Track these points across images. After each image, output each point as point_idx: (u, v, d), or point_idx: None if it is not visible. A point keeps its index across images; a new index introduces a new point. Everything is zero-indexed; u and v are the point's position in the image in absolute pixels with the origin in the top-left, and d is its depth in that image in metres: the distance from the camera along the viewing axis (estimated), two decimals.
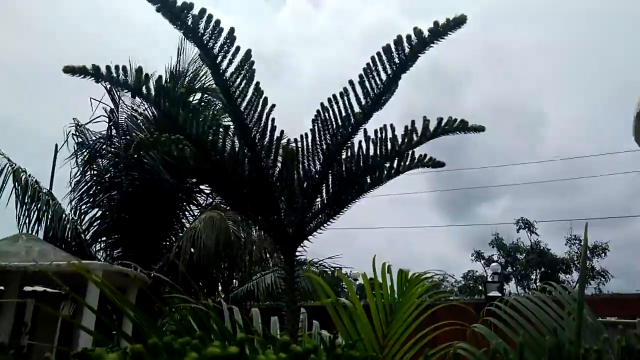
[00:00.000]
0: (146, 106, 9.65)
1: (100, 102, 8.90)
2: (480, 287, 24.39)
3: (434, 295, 1.67)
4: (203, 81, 9.48)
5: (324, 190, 1.11)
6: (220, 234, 7.53)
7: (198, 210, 9.58)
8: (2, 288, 6.34)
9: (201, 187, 10.05)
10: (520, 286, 25.09)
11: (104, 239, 9.08)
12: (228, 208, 8.73)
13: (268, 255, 9.38)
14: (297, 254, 1.16)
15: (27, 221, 7.88)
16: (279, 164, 1.05)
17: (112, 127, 8.71)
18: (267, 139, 1.02)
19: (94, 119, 8.90)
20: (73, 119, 9.06)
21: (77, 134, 8.99)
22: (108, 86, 8.98)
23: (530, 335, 1.86)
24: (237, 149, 1.03)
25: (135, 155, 8.07)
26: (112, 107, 8.87)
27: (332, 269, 10.05)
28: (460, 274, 27.23)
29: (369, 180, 1.17)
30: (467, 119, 1.24)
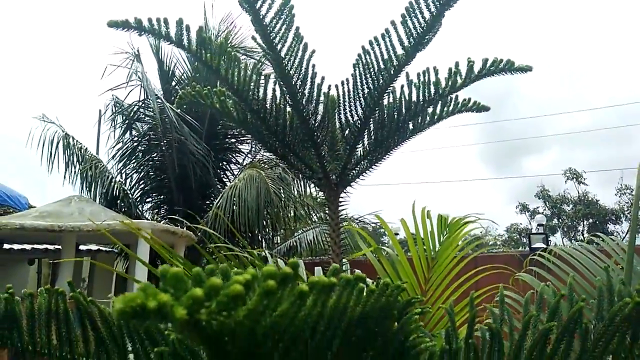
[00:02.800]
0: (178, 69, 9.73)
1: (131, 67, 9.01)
2: (525, 240, 24.02)
3: (475, 241, 1.66)
4: (234, 42, 9.45)
5: (365, 137, 1.10)
6: (260, 192, 7.66)
7: (238, 170, 9.74)
8: (60, 247, 6.70)
9: (240, 147, 10.19)
10: (566, 238, 24.58)
11: (149, 199, 9.40)
12: (267, 167, 8.85)
13: (311, 212, 9.51)
14: (338, 207, 1.17)
15: (77, 184, 8.24)
16: (320, 111, 1.05)
17: (146, 91, 8.85)
18: (307, 86, 1.01)
19: (126, 83, 9.04)
20: (110, 90, 9.26)
21: (114, 98, 9.21)
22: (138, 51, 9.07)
23: (576, 282, 1.83)
24: (278, 97, 1.03)
25: (174, 120, 8.21)
26: (143, 71, 8.97)
27: (374, 224, 10.11)
28: (503, 228, 26.85)
29: (411, 126, 1.15)
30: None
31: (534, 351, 0.81)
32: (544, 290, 1.13)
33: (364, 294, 0.55)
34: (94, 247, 8.74)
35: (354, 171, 1.13)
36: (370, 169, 1.15)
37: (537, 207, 25.50)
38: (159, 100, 8.53)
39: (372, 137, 1.10)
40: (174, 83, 9.84)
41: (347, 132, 1.08)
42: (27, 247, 8.13)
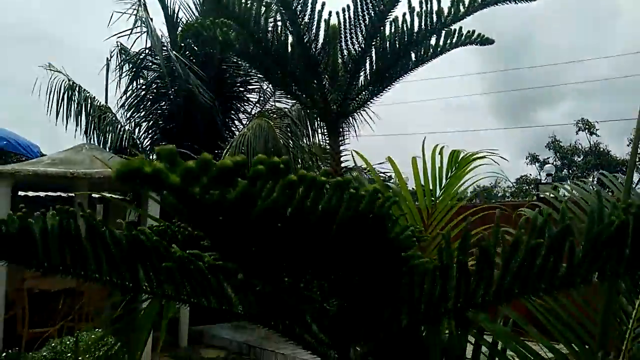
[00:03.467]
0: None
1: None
2: (533, 190, 24.00)
3: (482, 177, 1.68)
4: None
5: (367, 66, 1.11)
6: (268, 141, 7.68)
7: (247, 119, 9.73)
8: (73, 194, 6.84)
9: (249, 96, 10.13)
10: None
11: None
12: (276, 117, 8.81)
13: (319, 163, 9.54)
14: (339, 137, 1.19)
15: (87, 133, 8.30)
16: (321, 39, 1.05)
17: (152, 38, 8.73)
18: (308, 11, 1.01)
19: (130, 30, 8.91)
20: (116, 40, 9.15)
21: (119, 46, 9.13)
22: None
23: (579, 219, 1.86)
24: (279, 25, 1.03)
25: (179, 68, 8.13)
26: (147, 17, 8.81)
27: (382, 175, 10.14)
28: (513, 180, 26.75)
29: (413, 57, 1.15)
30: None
31: (522, 268, 0.84)
32: (536, 217, 1.13)
33: (355, 198, 0.58)
34: (106, 194, 8.89)
35: (354, 102, 1.14)
36: (371, 101, 1.16)
37: (548, 158, 25.34)
38: (164, 48, 8.44)
39: (373, 67, 1.10)
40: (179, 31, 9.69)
41: (347, 60, 1.09)
42: (41, 194, 8.30)
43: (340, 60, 1.09)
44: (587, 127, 24.08)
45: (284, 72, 1.07)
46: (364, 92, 1.15)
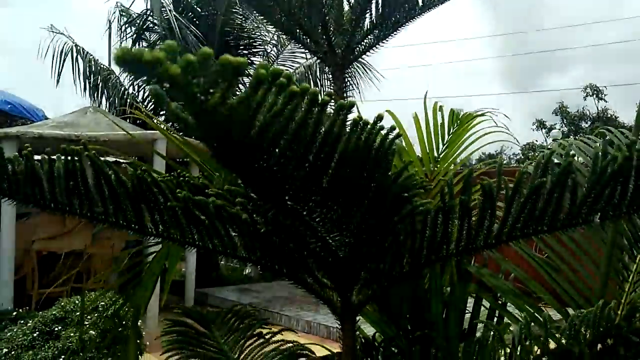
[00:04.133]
0: None
1: None
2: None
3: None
4: None
5: (373, 9, 1.08)
6: None
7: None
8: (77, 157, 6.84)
9: (253, 59, 10.01)
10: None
11: (163, 112, 9.43)
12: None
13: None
14: (344, 83, 1.18)
15: (92, 96, 8.26)
16: None
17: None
18: None
19: None
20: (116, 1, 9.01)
21: (119, 6, 9.00)
22: None
23: (583, 175, 1.86)
24: None
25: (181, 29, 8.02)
26: None
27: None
28: (519, 147, 26.56)
29: (420, 1, 1.13)
30: None
31: (526, 207, 0.84)
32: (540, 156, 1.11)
33: (358, 127, 0.58)
34: (111, 158, 8.91)
35: (359, 46, 1.13)
36: (377, 46, 1.15)
37: (555, 124, 25.11)
38: (163, 9, 8.30)
39: (379, 10, 1.08)
40: None
41: (353, 3, 1.07)
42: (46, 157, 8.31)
43: (345, 2, 1.07)
44: (595, 92, 23.74)
45: (288, 14, 1.06)
46: (369, 37, 1.13)
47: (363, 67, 9.27)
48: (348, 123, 0.56)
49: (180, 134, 1.90)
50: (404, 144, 1.64)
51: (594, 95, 23.75)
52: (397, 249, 0.94)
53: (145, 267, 2.03)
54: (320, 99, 0.46)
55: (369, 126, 0.57)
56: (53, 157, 0.92)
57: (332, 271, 0.96)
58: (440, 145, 1.59)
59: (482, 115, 1.61)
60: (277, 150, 0.46)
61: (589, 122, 24.07)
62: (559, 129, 23.53)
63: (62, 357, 4.46)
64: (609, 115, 23.37)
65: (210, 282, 9.19)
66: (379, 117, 0.58)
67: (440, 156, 1.57)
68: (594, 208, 0.84)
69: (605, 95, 23.58)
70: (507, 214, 0.86)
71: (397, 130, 0.64)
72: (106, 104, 8.34)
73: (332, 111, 0.53)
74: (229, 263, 11.64)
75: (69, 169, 0.87)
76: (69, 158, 0.88)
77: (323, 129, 0.50)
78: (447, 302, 1.55)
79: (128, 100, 8.22)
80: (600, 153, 0.81)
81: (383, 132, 0.61)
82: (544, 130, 25.29)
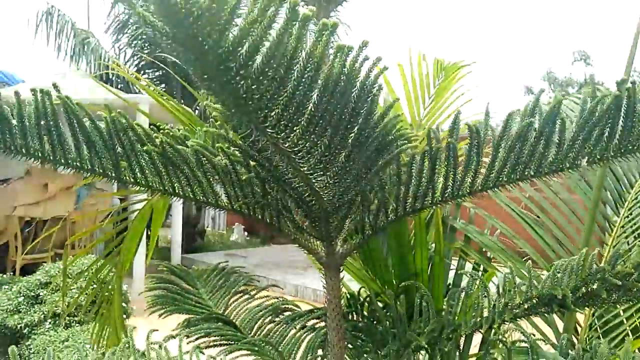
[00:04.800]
0: None
1: None
2: None
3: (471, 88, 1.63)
4: None
5: None
6: None
7: None
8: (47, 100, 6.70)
9: None
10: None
11: (144, 76, 9.21)
12: None
13: None
14: None
15: (72, 59, 8.04)
16: None
17: None
18: None
19: None
20: None
21: None
22: None
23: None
24: None
25: None
26: None
27: None
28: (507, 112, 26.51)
29: None
30: None
31: (514, 150, 0.83)
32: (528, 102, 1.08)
33: (342, 53, 0.55)
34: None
35: None
36: None
37: (543, 90, 25.08)
38: None
39: None
40: None
41: None
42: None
43: None
44: (583, 57, 23.71)
45: None
46: None
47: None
48: (332, 49, 0.53)
49: (164, 97, 1.84)
50: (390, 97, 1.60)
51: (582, 60, 23.72)
52: (383, 195, 0.93)
53: (129, 224, 2.01)
54: (301, 12, 0.43)
55: (354, 51, 0.54)
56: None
57: (316, 219, 0.94)
58: (427, 99, 1.56)
59: (467, 65, 1.58)
60: (253, 66, 0.43)
61: (576, 88, 24.11)
62: (547, 95, 23.56)
63: (48, 321, 4.47)
64: (597, 82, 23.40)
65: (197, 248, 9.20)
66: (364, 44, 0.55)
67: (426, 111, 1.55)
68: (582, 151, 0.82)
69: (592, 60, 23.56)
70: (494, 157, 0.84)
71: (383, 62, 0.61)
72: (86, 69, 8.12)
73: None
74: (215, 229, 11.65)
75: (39, 111, 0.83)
76: (39, 100, 0.83)
77: (304, 51, 0.47)
78: (431, 257, 1.56)
79: (108, 62, 8.01)
80: (589, 97, 0.79)
81: (369, 62, 0.58)
82: (532, 96, 25.23)
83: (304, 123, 0.54)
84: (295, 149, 0.57)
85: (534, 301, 0.93)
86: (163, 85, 9.13)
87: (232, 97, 0.42)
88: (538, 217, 1.76)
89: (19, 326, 4.37)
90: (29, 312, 4.57)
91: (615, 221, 1.65)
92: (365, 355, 1.08)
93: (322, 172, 0.67)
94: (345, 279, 1.81)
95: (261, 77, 0.43)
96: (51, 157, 0.88)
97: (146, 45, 8.72)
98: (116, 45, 8.81)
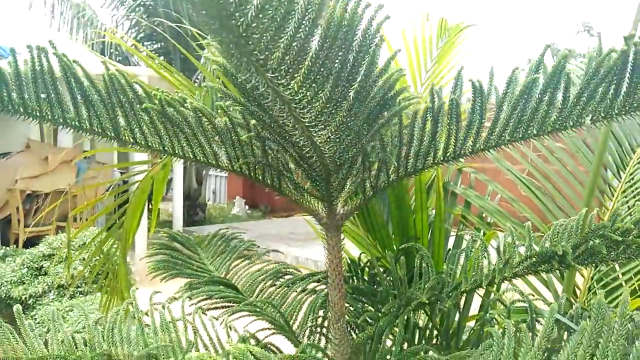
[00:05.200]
0: None
1: None
2: None
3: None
4: None
5: None
6: None
7: None
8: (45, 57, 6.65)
9: None
10: None
11: (143, 49, 9.09)
12: None
13: None
14: None
15: (67, 32, 7.93)
16: None
17: None
18: None
19: None
20: None
21: None
22: None
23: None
24: None
25: None
26: None
27: None
28: None
29: None
30: None
31: (517, 106, 0.82)
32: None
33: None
34: None
35: None
36: None
37: (548, 45, 24.75)
38: None
39: None
40: None
41: None
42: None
43: None
44: (587, 29, 23.35)
45: None
46: None
47: None
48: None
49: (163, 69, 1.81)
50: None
51: (586, 31, 23.36)
52: (384, 154, 0.92)
53: (130, 197, 2.01)
54: None
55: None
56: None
57: (317, 179, 0.94)
58: (429, 62, 1.54)
59: (471, 26, 1.55)
60: (253, 2, 0.42)
61: (579, 59, 23.80)
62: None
63: (53, 291, 4.52)
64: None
65: (198, 221, 9.25)
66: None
67: (428, 74, 1.53)
68: (586, 109, 0.81)
69: (595, 32, 23.19)
70: (497, 115, 0.83)
71: (385, 11, 0.60)
72: (83, 42, 8.01)
73: None
74: (217, 203, 11.69)
75: (35, 68, 0.82)
76: (36, 57, 0.82)
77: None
78: (431, 223, 1.56)
79: (105, 35, 7.90)
80: (595, 53, 0.78)
81: (370, 10, 0.57)
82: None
83: (305, 70, 0.53)
84: (296, 97, 0.56)
85: (534, 259, 0.93)
86: (162, 57, 9.02)
87: (231, 34, 0.41)
88: (539, 182, 1.76)
89: (23, 297, 4.43)
90: (33, 284, 4.62)
91: (616, 186, 1.65)
92: (365, 314, 1.09)
93: (323, 126, 0.67)
94: (347, 247, 1.82)
95: (260, 15, 0.41)
96: (49, 116, 0.87)
97: (144, 17, 8.58)
98: (114, 18, 8.68)
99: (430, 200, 1.64)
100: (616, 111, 0.82)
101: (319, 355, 1.05)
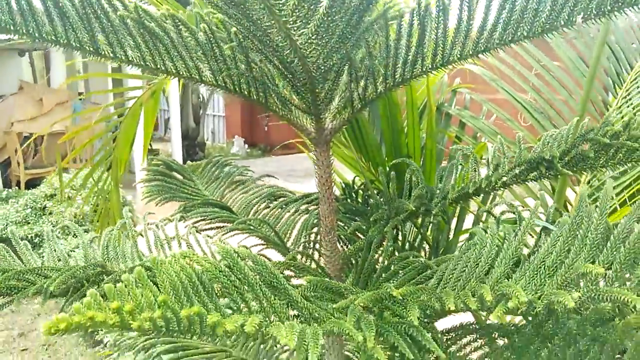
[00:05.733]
0: None
1: None
2: None
3: None
4: None
5: None
6: None
7: None
8: None
9: None
10: None
11: None
12: None
13: None
14: None
15: None
16: None
17: None
18: None
19: None
20: None
21: None
22: None
23: None
24: None
25: None
26: None
27: None
28: None
29: None
30: None
31: (506, 3, 0.79)
32: None
33: None
34: None
35: None
36: None
37: None
38: None
39: None
40: None
41: None
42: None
43: None
44: None
45: None
46: None
47: None
48: None
49: None
50: None
51: None
52: (371, 63, 0.90)
53: (121, 123, 2.00)
54: None
55: None
56: None
57: (302, 90, 0.92)
58: None
59: None
60: None
61: None
62: None
63: (57, 230, 4.60)
64: None
65: (197, 161, 9.27)
66: None
67: None
68: (577, 5, 0.78)
69: None
70: (486, 15, 0.81)
71: None
72: None
73: None
74: (215, 143, 11.68)
75: None
76: None
77: None
78: (424, 146, 1.55)
79: None
80: None
81: None
82: None
83: None
84: None
85: (523, 167, 0.93)
86: None
87: None
88: (537, 103, 1.74)
89: (29, 236, 4.51)
90: (37, 223, 4.70)
91: (611, 101, 1.63)
92: (355, 224, 1.11)
93: (301, 23, 0.64)
94: (341, 170, 1.83)
95: None
96: (24, 30, 0.84)
97: None
98: None
99: (423, 123, 1.63)
100: (609, 7, 0.80)
101: (311, 265, 1.07)
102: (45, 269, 0.81)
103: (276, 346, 1.32)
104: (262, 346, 1.29)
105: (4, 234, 4.56)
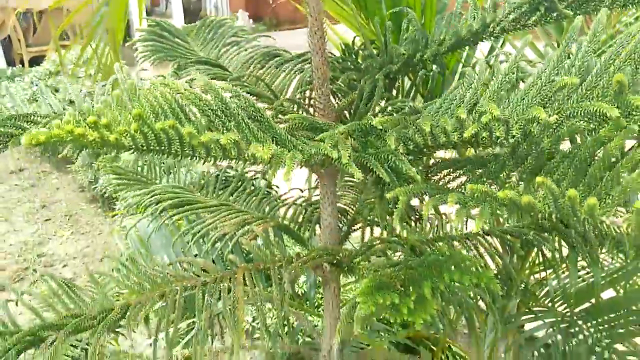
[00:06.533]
0: None
1: None
2: None
3: None
4: None
5: None
6: None
7: None
8: None
9: None
10: None
11: None
12: None
13: None
14: None
15: None
16: None
17: None
18: None
19: None
20: None
21: None
22: None
23: None
24: None
25: None
26: None
27: None
28: None
29: None
30: None
31: None
32: None
33: None
34: None
35: None
36: None
37: None
38: None
39: None
40: None
41: None
42: None
43: None
44: None
45: None
46: None
47: None
48: None
49: None
50: None
51: None
52: None
53: None
54: None
55: None
56: None
57: None
58: None
59: None
60: None
61: None
62: None
63: (68, 105, 4.63)
64: None
65: None
66: None
67: None
68: None
69: None
70: None
71: None
72: None
73: None
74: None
75: None
76: None
77: None
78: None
79: None
80: None
81: None
82: None
83: None
84: None
85: (523, 9, 0.89)
86: None
87: None
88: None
89: (38, 111, 4.55)
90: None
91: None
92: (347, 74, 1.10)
93: None
94: (341, 32, 1.77)
95: None
96: None
97: None
98: None
99: None
100: None
101: (302, 113, 1.08)
102: (36, 116, 0.82)
103: (277, 201, 1.37)
104: (263, 200, 1.35)
105: (13, 111, 4.60)
